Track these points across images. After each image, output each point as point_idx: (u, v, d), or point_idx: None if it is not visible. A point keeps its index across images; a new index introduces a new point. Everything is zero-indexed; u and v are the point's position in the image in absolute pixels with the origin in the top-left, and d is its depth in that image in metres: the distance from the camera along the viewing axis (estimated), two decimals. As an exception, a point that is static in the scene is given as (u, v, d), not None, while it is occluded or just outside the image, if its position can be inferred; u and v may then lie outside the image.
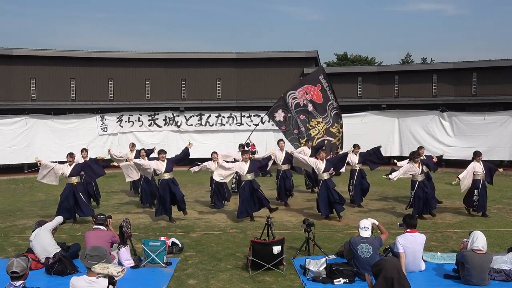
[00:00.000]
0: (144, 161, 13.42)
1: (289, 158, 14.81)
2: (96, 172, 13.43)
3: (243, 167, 12.63)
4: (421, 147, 14.84)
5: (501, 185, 18.30)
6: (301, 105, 15.61)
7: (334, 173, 13.34)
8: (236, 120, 24.39)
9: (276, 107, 15.90)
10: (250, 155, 13.27)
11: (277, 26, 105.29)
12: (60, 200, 12.60)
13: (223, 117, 24.34)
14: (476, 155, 13.14)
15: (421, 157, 13.90)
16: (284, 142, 15.64)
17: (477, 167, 12.97)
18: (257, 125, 19.37)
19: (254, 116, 24.33)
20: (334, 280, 7.80)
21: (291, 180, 15.01)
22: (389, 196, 15.95)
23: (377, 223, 8.69)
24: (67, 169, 12.78)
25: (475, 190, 12.82)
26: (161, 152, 12.94)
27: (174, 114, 24.30)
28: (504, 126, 21.46)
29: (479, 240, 7.82)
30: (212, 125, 24.41)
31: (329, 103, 15.81)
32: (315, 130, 15.76)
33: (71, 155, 13.18)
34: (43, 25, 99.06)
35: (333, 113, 15.66)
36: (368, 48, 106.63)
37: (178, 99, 26.08)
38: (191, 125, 24.40)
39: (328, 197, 12.42)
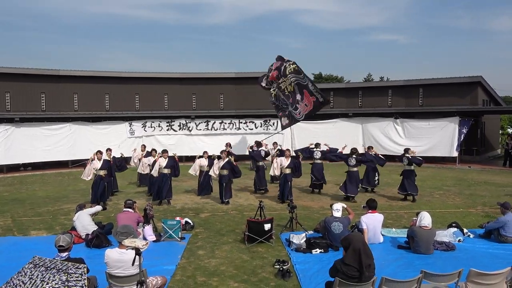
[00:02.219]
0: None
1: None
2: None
3: (220, 164, 12.75)
4: (370, 147, 15.01)
5: (442, 175, 18.38)
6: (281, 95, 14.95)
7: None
8: (235, 126, 24.31)
9: (279, 113, 15.29)
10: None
11: (268, 52, 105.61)
12: (93, 188, 12.54)
13: (225, 123, 24.25)
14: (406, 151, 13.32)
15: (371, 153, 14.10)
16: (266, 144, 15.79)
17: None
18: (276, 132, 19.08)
19: (250, 122, 24.31)
20: (312, 250, 7.82)
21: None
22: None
23: (345, 206, 8.72)
24: (98, 164, 12.65)
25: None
26: (164, 151, 13.20)
27: (187, 121, 24.17)
28: (444, 130, 21.50)
29: (425, 219, 7.85)
30: (217, 129, 24.31)
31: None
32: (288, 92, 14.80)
33: (100, 152, 13.03)
34: (84, 51, 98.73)
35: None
36: (339, 69, 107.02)
37: (190, 109, 25.99)
38: (200, 129, 24.29)
39: (285, 185, 12.67)
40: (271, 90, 15.34)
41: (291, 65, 14.50)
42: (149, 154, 15.36)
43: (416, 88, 24.83)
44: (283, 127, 15.74)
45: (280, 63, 15.14)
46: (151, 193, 13.93)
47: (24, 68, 23.08)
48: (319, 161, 14.42)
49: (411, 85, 24.95)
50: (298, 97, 14.11)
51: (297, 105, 14.22)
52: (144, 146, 17.30)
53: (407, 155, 13.09)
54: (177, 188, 14.58)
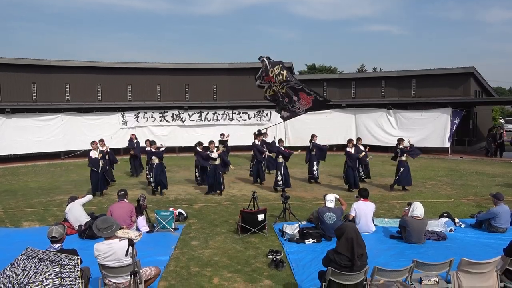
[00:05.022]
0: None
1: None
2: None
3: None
4: (359, 138, 14.97)
5: (434, 166, 18.49)
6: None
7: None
8: (229, 116, 24.26)
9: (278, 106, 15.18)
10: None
11: (261, 42, 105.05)
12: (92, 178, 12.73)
13: (218, 114, 24.19)
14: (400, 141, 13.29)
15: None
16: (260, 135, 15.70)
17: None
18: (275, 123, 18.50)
19: (243, 113, 24.25)
20: (305, 240, 7.87)
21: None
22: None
23: (338, 196, 8.76)
24: (96, 154, 12.75)
25: (401, 169, 12.87)
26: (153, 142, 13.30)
27: (180, 112, 24.07)
28: (437, 121, 21.58)
29: (418, 209, 7.91)
30: (210, 120, 24.25)
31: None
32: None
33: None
34: (76, 41, 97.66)
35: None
36: (332, 60, 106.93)
37: (183, 100, 25.88)
38: (193, 120, 24.20)
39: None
40: (267, 87, 15.04)
41: (281, 73, 14.23)
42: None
43: (409, 79, 24.88)
44: (285, 119, 15.41)
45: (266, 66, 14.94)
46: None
47: (14, 58, 22.77)
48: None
49: (404, 76, 24.98)
50: (295, 98, 13.96)
51: (294, 104, 14.08)
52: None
53: (401, 146, 13.12)
54: (171, 179, 14.55)
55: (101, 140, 14.12)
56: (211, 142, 13.03)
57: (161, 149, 13.16)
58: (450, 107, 21.45)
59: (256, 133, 16.01)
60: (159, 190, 12.72)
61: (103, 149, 13.46)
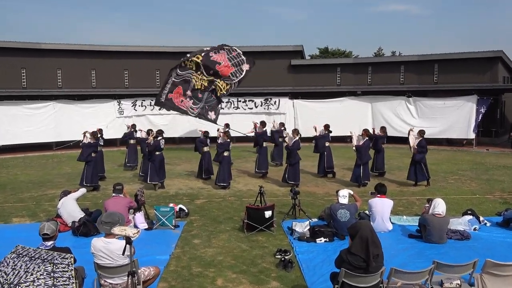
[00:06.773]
0: None
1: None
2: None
3: None
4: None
5: (457, 159, 18.41)
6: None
7: None
8: (233, 105, 24.25)
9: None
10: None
11: (269, 24, 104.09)
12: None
13: (222, 101, 24.18)
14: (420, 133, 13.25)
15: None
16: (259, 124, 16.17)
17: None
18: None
19: (249, 101, 24.23)
20: (317, 239, 7.88)
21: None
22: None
23: (352, 192, 8.74)
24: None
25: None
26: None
27: (181, 100, 24.15)
28: (461, 109, 21.47)
29: (440, 206, 7.89)
30: (213, 108, 24.29)
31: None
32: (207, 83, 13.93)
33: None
34: (69, 22, 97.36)
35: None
36: (346, 43, 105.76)
37: (184, 86, 25.89)
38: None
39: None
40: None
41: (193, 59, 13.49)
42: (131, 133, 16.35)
43: (430, 64, 24.67)
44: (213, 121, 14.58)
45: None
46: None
47: (2, 42, 22.89)
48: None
49: (425, 60, 24.76)
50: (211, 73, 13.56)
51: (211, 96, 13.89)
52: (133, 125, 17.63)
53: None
54: (171, 172, 14.62)
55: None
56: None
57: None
58: (475, 94, 21.28)
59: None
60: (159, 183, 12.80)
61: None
